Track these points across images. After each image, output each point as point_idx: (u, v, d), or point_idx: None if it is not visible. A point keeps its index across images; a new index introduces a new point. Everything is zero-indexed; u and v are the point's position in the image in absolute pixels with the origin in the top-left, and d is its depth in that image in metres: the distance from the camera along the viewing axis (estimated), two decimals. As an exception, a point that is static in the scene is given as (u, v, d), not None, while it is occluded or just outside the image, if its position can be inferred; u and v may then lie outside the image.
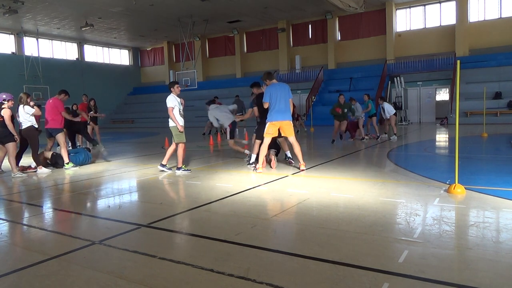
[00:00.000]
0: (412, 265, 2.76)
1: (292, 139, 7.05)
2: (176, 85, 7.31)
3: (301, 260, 2.95)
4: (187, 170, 7.25)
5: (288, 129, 6.99)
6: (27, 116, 7.71)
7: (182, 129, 7.15)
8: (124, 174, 7.55)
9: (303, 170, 6.96)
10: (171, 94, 7.23)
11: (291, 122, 7.09)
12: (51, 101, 8.51)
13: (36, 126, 7.94)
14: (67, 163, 8.32)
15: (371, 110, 12.86)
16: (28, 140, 7.92)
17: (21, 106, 7.71)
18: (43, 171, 7.79)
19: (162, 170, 7.38)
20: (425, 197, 4.73)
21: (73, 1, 21.78)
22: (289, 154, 7.86)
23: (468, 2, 23.43)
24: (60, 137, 8.32)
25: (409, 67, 24.18)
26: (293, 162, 7.68)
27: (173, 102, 7.12)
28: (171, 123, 7.21)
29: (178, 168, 7.24)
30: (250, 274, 2.69)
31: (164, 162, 7.37)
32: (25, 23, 26.45)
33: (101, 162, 9.13)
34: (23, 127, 7.78)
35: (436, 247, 3.11)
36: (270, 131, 6.93)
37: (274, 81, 7.07)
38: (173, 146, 7.34)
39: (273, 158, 7.53)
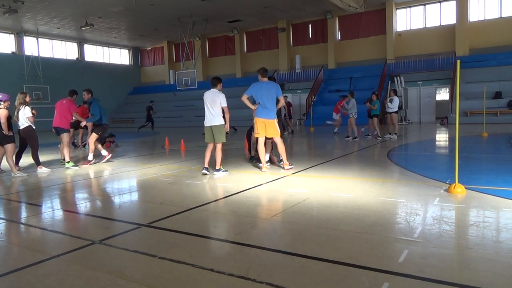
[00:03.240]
0: (412, 265, 2.76)
1: (276, 139, 7.00)
2: (221, 82, 6.95)
3: (301, 260, 2.95)
4: (226, 170, 6.93)
5: (270, 130, 6.89)
6: (25, 117, 7.70)
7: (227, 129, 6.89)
8: (124, 173, 7.55)
9: (287, 169, 6.97)
10: (218, 91, 6.81)
11: (275, 121, 6.94)
12: (64, 101, 8.62)
13: (34, 127, 7.92)
14: (68, 162, 8.42)
15: (376, 110, 12.82)
16: (27, 140, 7.94)
17: (22, 107, 7.70)
18: (43, 171, 7.79)
19: (215, 174, 6.83)
20: (425, 197, 4.73)
21: (73, 0, 21.78)
22: (281, 157, 7.85)
23: (468, 1, 23.43)
24: (66, 137, 8.52)
25: (409, 67, 24.18)
26: (277, 161, 7.69)
27: (225, 99, 6.76)
28: (218, 121, 6.76)
29: (217, 170, 6.84)
30: (250, 274, 2.69)
31: (218, 167, 6.87)
32: (25, 22, 26.45)
33: (100, 162, 9.12)
34: (21, 127, 7.77)
35: (436, 246, 3.11)
36: (258, 130, 6.94)
37: (265, 79, 6.99)
38: (211, 147, 6.94)
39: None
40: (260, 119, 6.88)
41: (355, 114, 12.73)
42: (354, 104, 12.78)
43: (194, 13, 25.21)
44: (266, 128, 6.90)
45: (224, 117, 6.88)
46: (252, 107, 6.97)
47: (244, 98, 6.95)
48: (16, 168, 7.50)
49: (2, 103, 7.41)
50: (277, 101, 6.95)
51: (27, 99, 7.86)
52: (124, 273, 2.81)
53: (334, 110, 15.49)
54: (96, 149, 8.96)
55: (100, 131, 8.95)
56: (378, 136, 12.49)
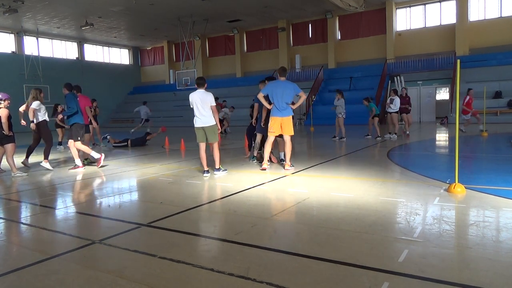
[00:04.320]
0: (412, 265, 2.76)
1: (287, 137, 7.02)
2: (206, 82, 6.95)
3: (301, 259, 2.95)
4: (225, 170, 6.95)
5: (286, 127, 6.96)
6: (39, 112, 8.04)
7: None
8: (124, 173, 7.55)
9: (287, 169, 6.97)
10: (204, 91, 6.78)
11: (291, 118, 7.01)
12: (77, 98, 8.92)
13: (34, 121, 8.16)
14: (86, 159, 8.87)
15: (375, 111, 12.83)
16: (41, 135, 8.23)
17: (34, 101, 8.00)
18: (46, 165, 8.02)
19: (216, 174, 6.78)
20: (425, 197, 4.73)
21: (73, 0, 21.77)
22: (282, 156, 7.83)
23: (468, 1, 23.41)
24: (87, 136, 9.24)
25: (409, 67, 24.17)
26: (279, 161, 7.70)
27: (213, 99, 6.75)
28: (211, 122, 6.72)
29: (217, 169, 6.84)
30: (250, 274, 2.69)
31: (217, 166, 6.86)
32: (25, 22, 26.44)
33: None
34: (35, 123, 8.07)
35: (436, 246, 3.11)
36: (272, 129, 6.98)
37: (283, 78, 7.03)
38: (204, 147, 6.88)
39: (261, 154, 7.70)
40: (277, 118, 6.92)
41: (343, 114, 12.65)
42: (342, 103, 12.65)
43: (194, 12, 25.20)
44: (282, 126, 6.93)
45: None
46: (268, 106, 7.01)
47: (260, 96, 7.00)
48: (15, 168, 7.52)
49: (2, 102, 7.43)
50: (299, 97, 7.06)
51: (42, 95, 8.26)
52: (124, 272, 2.81)
53: (464, 112, 14.07)
54: (73, 151, 8.10)
55: (76, 134, 8.00)
56: (378, 136, 12.50)
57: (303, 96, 7.04)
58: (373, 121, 12.90)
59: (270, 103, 7.01)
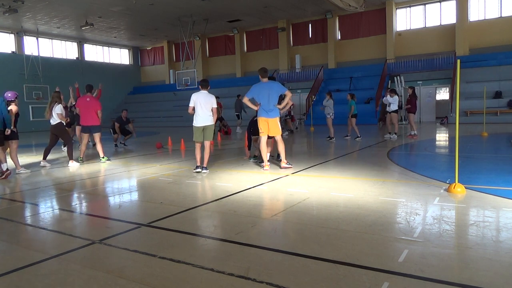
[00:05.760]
0: (412, 264, 2.76)
1: (277, 137, 7.15)
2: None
3: (301, 259, 2.95)
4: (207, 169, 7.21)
5: (272, 128, 7.06)
6: (55, 113, 8.31)
7: None
8: (124, 173, 7.56)
9: (283, 167, 7.09)
10: (207, 92, 7.12)
11: (277, 119, 7.10)
12: (88, 99, 8.95)
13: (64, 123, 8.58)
14: (103, 157, 9.05)
15: (354, 110, 12.55)
16: (59, 136, 8.53)
17: (55, 104, 8.28)
18: (74, 165, 8.35)
19: (204, 172, 7.04)
20: (425, 197, 4.73)
21: (73, 0, 21.77)
22: (279, 157, 7.85)
23: (468, 1, 23.42)
24: (99, 135, 9.07)
25: (409, 67, 24.18)
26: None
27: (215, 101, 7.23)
28: (211, 121, 7.12)
29: (205, 168, 7.11)
30: (250, 274, 2.69)
31: (205, 165, 7.14)
32: (25, 22, 26.44)
33: (100, 161, 9.12)
34: (53, 124, 8.33)
35: (436, 246, 3.11)
36: (262, 130, 7.11)
37: (265, 79, 7.11)
38: (200, 146, 7.23)
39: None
40: (263, 118, 7.06)
41: (332, 114, 12.57)
42: (331, 104, 12.53)
43: (194, 12, 25.20)
44: (269, 127, 7.05)
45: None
46: (255, 107, 7.15)
47: (246, 100, 7.20)
48: (19, 165, 7.63)
49: (15, 100, 7.71)
50: (284, 96, 7.12)
51: (62, 97, 8.63)
52: (124, 272, 2.81)
53: None
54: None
55: None
56: (347, 136, 12.40)
57: (289, 95, 7.07)
58: (350, 121, 12.61)
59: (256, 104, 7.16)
